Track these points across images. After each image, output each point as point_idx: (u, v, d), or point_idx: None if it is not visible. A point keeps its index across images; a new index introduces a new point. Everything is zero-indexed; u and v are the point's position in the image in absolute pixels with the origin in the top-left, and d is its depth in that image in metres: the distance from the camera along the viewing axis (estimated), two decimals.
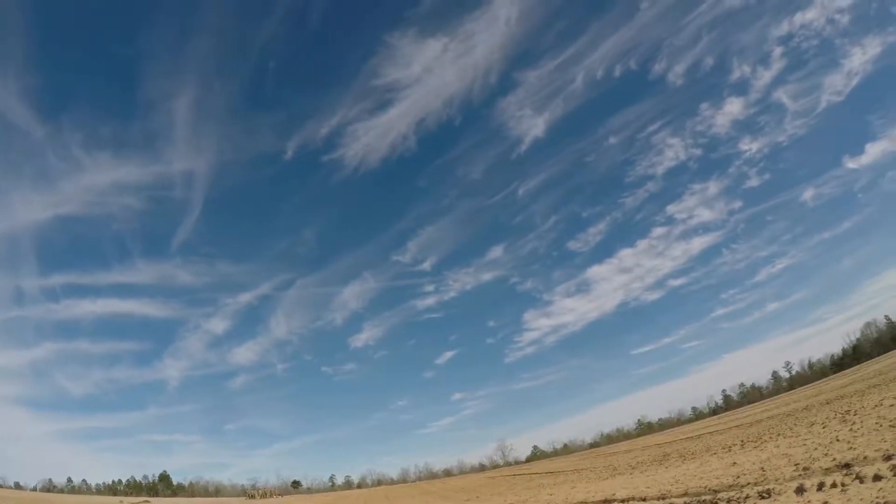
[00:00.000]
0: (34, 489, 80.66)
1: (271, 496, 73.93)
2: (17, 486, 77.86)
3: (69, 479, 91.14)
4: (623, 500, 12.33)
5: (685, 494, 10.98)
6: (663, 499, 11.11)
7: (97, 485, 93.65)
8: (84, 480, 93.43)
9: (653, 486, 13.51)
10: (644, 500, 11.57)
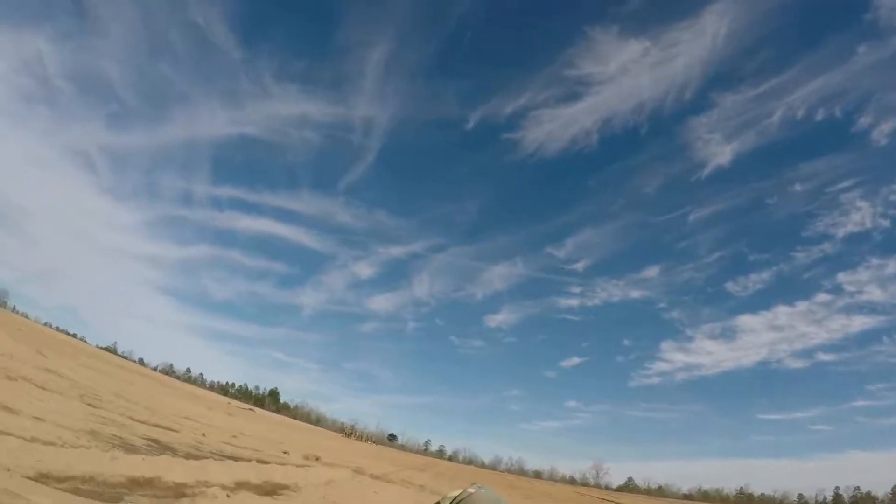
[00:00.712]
0: (154, 368, 76.29)
1: (366, 441, 72.15)
2: (141, 363, 75.06)
3: (188, 369, 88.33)
4: None
5: None
6: None
7: (211, 381, 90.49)
8: (201, 374, 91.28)
9: None
10: None
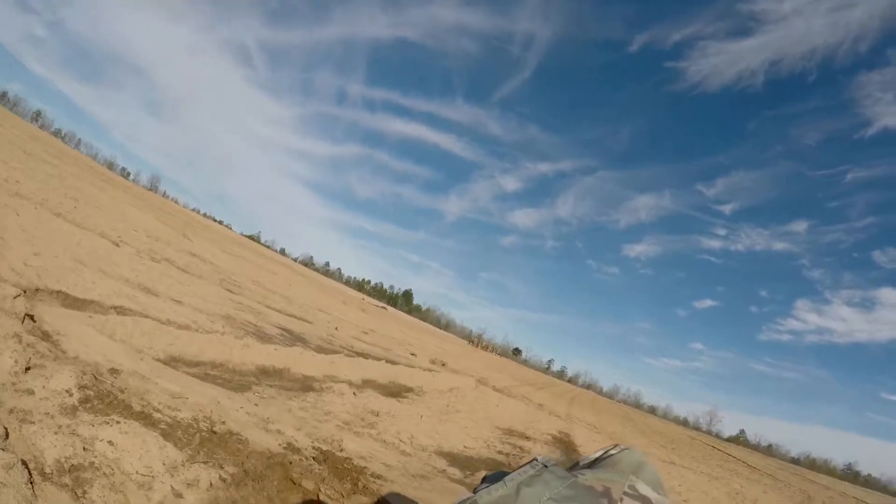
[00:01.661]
0: (295, 259, 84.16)
1: (491, 351, 75.69)
2: (282, 253, 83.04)
3: (327, 263, 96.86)
4: None
5: None
6: None
7: (348, 277, 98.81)
8: (339, 269, 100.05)
9: None
10: None
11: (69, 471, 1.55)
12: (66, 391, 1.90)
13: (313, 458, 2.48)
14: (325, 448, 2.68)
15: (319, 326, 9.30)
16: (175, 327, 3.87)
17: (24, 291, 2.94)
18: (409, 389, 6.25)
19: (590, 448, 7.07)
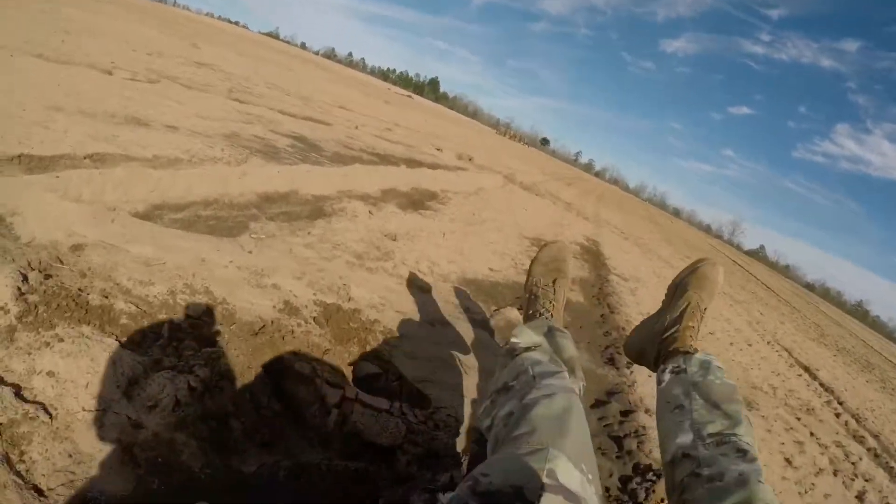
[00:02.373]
0: (316, 53, 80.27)
1: (519, 141, 73.98)
2: (303, 47, 79.33)
3: (349, 54, 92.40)
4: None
5: None
6: None
7: (372, 66, 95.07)
8: (362, 59, 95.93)
9: None
10: None
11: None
12: (1, 308, 1.57)
13: (313, 318, 2.21)
14: (329, 301, 2.41)
15: (338, 128, 8.77)
16: (161, 165, 3.46)
17: None
18: (433, 196, 5.92)
19: (618, 259, 6.84)
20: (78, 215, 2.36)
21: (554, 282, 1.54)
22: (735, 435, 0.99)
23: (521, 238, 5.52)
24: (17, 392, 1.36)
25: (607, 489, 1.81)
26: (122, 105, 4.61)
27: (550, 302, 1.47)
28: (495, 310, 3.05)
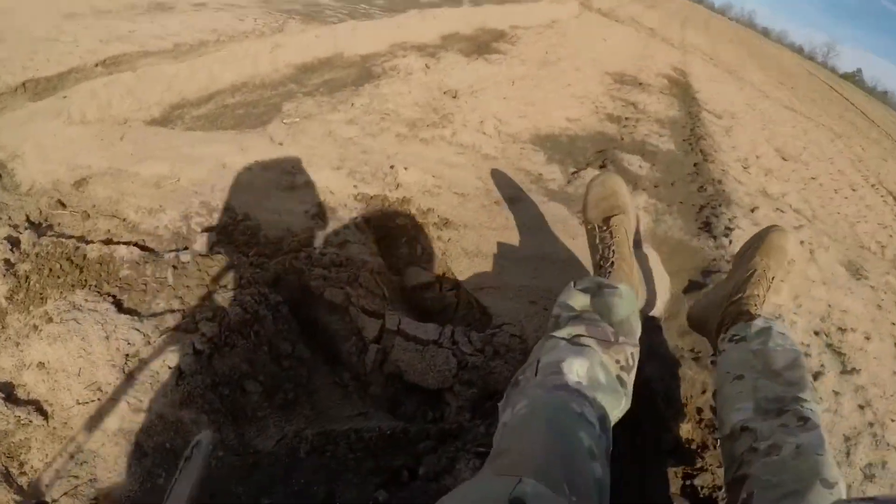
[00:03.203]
0: None
1: None
2: None
3: None
4: None
5: None
6: None
7: None
8: None
9: None
10: None
11: None
12: None
13: (355, 224, 1.85)
14: (372, 194, 2.02)
15: None
16: (182, 54, 3.06)
17: None
18: (501, 36, 5.02)
19: (709, 92, 5.51)
20: (83, 141, 2.09)
21: (608, 222, 1.34)
22: (798, 401, 0.93)
23: (602, 76, 4.60)
24: (9, 394, 1.19)
25: (699, 410, 1.41)
26: None
27: (609, 248, 1.29)
28: (573, 173, 2.50)
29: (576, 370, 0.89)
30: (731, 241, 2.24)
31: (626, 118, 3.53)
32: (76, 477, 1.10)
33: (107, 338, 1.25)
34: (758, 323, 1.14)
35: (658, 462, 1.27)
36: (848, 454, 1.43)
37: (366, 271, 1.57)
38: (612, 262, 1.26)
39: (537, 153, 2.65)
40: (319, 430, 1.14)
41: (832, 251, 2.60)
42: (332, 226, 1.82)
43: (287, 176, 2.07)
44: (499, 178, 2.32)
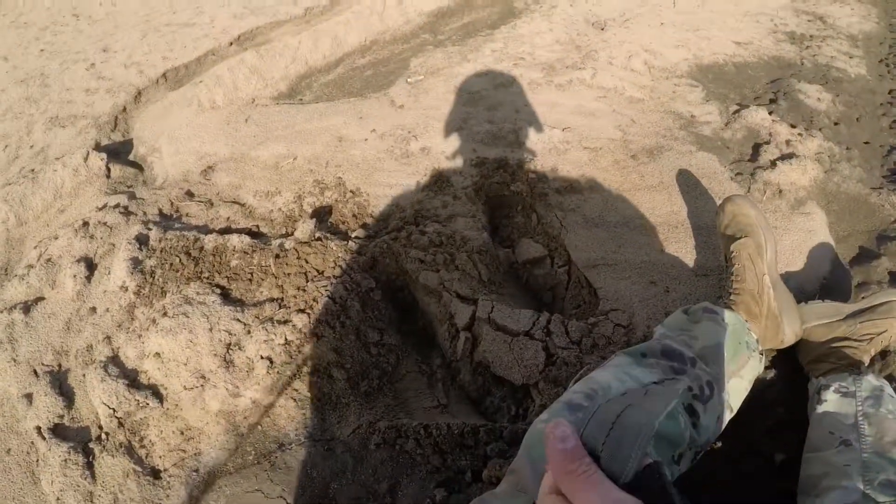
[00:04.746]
0: None
1: None
2: None
3: None
4: None
5: None
6: None
7: None
8: None
9: None
10: None
11: (122, 427, 1.46)
12: (121, 287, 1.75)
13: (466, 194, 1.93)
14: (491, 157, 2.07)
15: None
16: (314, 17, 3.38)
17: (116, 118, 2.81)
18: None
19: None
20: (211, 128, 2.46)
21: (731, 248, 1.39)
22: None
23: None
24: (133, 380, 1.52)
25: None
26: None
27: (730, 277, 1.34)
28: (735, 112, 2.26)
29: (602, 383, 0.91)
30: None
31: (811, 36, 3.06)
32: (183, 451, 1.39)
33: (210, 329, 1.51)
34: (870, 380, 1.15)
35: None
36: None
37: (463, 252, 1.64)
38: (731, 293, 1.29)
39: (694, 90, 2.45)
40: (390, 424, 1.27)
41: None
42: (443, 198, 1.92)
43: (402, 143, 2.22)
44: (642, 124, 2.18)
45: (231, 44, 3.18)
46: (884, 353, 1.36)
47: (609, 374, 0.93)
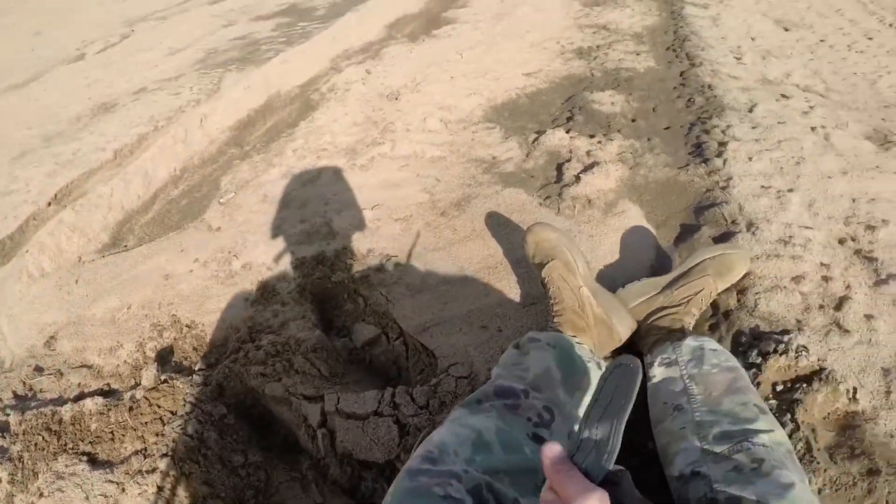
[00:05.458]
0: None
1: None
2: None
3: None
4: None
5: None
6: None
7: None
8: None
9: None
10: None
11: None
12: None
13: (293, 298, 2.21)
14: (308, 255, 2.36)
15: None
16: (122, 160, 3.54)
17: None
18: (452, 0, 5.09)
19: None
20: (45, 297, 2.57)
21: (542, 275, 1.52)
22: (746, 435, 0.96)
23: (569, 4, 4.61)
24: None
25: None
26: (85, 97, 4.68)
27: (551, 300, 1.45)
28: (533, 140, 2.54)
29: (437, 442, 0.95)
30: (725, 161, 2.23)
31: (598, 46, 3.54)
32: None
33: (87, 498, 1.68)
34: (689, 343, 1.22)
35: None
36: (889, 393, 1.29)
37: (299, 354, 1.91)
38: (554, 315, 1.39)
39: (492, 131, 2.80)
40: None
41: (852, 126, 2.54)
42: (272, 307, 2.17)
43: (224, 266, 2.44)
44: (447, 180, 2.48)
45: (49, 204, 3.26)
46: (727, 313, 1.49)
47: (444, 431, 0.97)
